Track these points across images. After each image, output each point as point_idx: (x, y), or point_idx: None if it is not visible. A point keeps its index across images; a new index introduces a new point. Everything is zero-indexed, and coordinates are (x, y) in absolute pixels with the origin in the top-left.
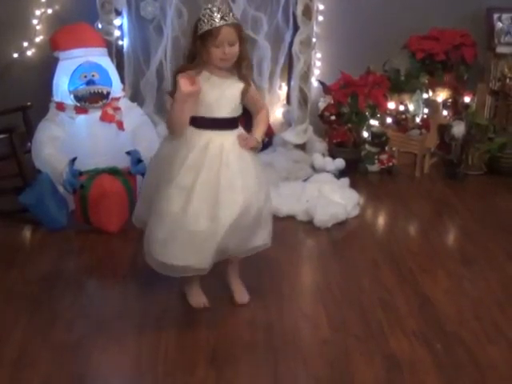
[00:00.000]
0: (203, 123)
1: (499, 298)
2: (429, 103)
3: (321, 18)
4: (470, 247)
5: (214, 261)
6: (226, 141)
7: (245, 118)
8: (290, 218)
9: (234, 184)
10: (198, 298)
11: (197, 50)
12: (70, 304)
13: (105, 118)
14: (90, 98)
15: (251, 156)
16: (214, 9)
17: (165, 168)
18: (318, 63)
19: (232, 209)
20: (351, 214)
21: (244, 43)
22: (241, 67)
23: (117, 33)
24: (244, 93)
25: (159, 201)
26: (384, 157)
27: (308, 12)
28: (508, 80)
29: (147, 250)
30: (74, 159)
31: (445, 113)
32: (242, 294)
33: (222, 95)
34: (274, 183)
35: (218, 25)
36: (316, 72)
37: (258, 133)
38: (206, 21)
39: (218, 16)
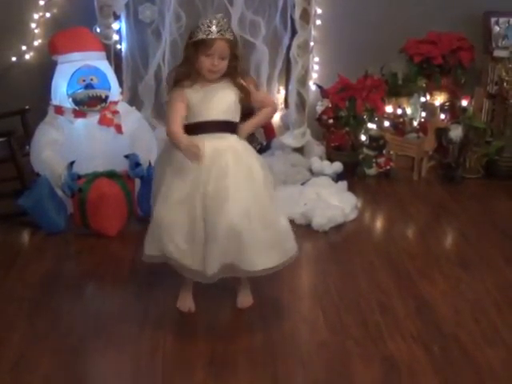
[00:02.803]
0: (196, 129)
1: (497, 301)
2: (426, 107)
3: (318, 22)
4: (468, 250)
5: (220, 274)
6: (222, 145)
7: None
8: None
9: (231, 188)
10: (185, 302)
11: (188, 56)
12: (69, 307)
13: (103, 121)
14: (89, 102)
15: (254, 162)
16: (214, 21)
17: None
18: (316, 67)
19: (229, 214)
20: (349, 217)
21: (236, 60)
22: (235, 78)
23: (115, 36)
24: (243, 100)
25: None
26: (382, 160)
27: (306, 16)
28: (505, 84)
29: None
30: (73, 162)
31: (442, 116)
32: (244, 299)
33: (210, 99)
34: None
35: (213, 36)
36: (314, 76)
37: (247, 124)
38: (202, 29)
39: (216, 29)
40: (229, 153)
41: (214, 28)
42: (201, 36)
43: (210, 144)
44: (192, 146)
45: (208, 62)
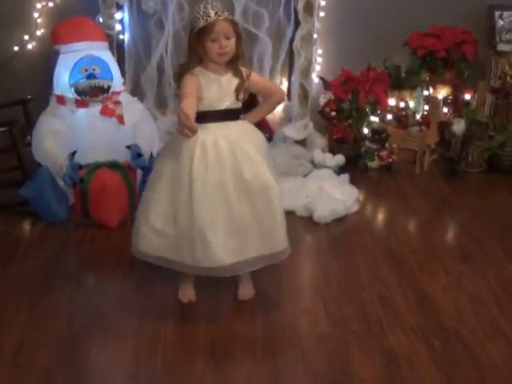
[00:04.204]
0: (206, 117)
1: (498, 295)
2: (429, 100)
3: (322, 14)
4: (469, 244)
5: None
6: (232, 132)
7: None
8: (290, 214)
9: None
10: (185, 293)
11: (193, 48)
12: (69, 297)
13: (105, 112)
14: (91, 92)
15: (260, 142)
16: (209, 6)
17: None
18: (319, 59)
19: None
20: (351, 209)
21: (240, 40)
22: (236, 65)
23: (118, 27)
24: (239, 88)
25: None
26: (384, 153)
27: (309, 8)
28: (508, 78)
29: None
30: (74, 153)
31: (445, 110)
32: (246, 291)
33: (219, 89)
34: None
35: (213, 19)
36: (317, 68)
37: (250, 117)
38: (200, 18)
39: (213, 12)
40: (244, 139)
41: (211, 11)
42: (201, 24)
43: (223, 132)
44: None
45: (216, 46)
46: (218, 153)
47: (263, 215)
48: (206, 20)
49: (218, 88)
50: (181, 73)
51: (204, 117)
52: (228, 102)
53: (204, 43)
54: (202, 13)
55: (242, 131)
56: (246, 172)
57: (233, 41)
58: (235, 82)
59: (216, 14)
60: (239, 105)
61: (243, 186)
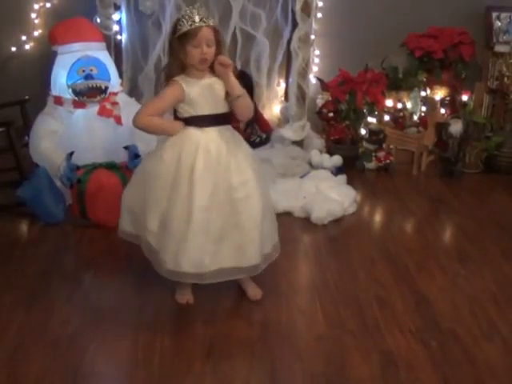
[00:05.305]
0: (194, 122)
1: (494, 295)
2: (427, 101)
3: (319, 15)
4: (466, 245)
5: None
6: (229, 137)
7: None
8: (287, 215)
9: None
10: (183, 294)
11: (175, 51)
12: (66, 298)
13: (103, 112)
14: (88, 93)
15: (249, 152)
16: (194, 11)
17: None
18: (317, 60)
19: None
20: (348, 210)
21: (221, 47)
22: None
23: (115, 27)
24: (227, 91)
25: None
26: (381, 154)
27: (307, 9)
28: (506, 79)
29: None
30: (72, 153)
31: (442, 111)
32: (254, 291)
33: (203, 92)
34: (272, 179)
35: (197, 25)
36: (314, 69)
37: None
38: (185, 22)
39: (198, 18)
40: (237, 146)
41: (196, 17)
42: (185, 28)
43: (212, 136)
44: (174, 124)
45: (197, 52)
46: (218, 158)
47: (244, 224)
48: (191, 25)
49: (200, 91)
50: (165, 82)
51: (198, 121)
52: (219, 105)
53: (185, 47)
54: (187, 17)
55: (234, 136)
56: (234, 179)
57: (213, 48)
58: (221, 85)
59: (201, 20)
60: (226, 109)
61: (230, 194)
